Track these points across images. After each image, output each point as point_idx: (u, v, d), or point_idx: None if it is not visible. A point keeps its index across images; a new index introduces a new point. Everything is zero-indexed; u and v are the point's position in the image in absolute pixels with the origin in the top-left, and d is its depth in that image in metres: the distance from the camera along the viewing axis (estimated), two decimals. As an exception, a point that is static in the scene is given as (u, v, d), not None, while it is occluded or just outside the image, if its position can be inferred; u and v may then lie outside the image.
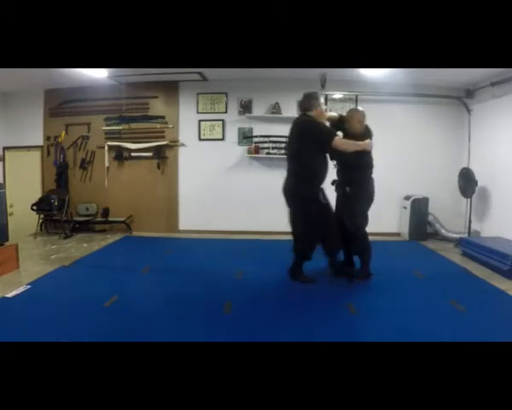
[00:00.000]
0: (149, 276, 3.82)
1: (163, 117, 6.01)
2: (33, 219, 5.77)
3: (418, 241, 5.56)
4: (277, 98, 5.82)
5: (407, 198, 5.71)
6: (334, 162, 3.73)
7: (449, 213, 5.85)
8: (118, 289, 3.34)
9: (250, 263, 4.27)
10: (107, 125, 6.05)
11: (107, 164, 6.04)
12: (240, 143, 5.96)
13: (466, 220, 5.34)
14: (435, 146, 5.89)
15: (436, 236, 5.74)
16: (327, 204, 3.58)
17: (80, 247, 5.08)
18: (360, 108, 3.85)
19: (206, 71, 5.37)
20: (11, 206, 5.57)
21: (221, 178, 6.03)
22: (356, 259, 3.74)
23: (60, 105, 6.08)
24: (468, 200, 5.26)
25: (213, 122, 5.97)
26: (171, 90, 5.97)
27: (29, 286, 3.38)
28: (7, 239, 4.01)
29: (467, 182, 5.15)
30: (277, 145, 5.82)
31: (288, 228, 5.85)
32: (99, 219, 6.00)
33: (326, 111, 3.78)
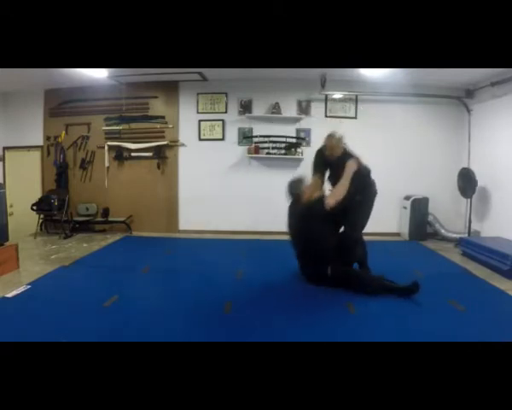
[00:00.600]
0: (149, 276, 3.82)
1: (163, 117, 6.01)
2: (33, 219, 5.77)
3: (418, 241, 5.56)
4: (277, 98, 5.82)
5: (407, 198, 5.71)
6: None
7: (449, 213, 5.85)
8: (118, 289, 3.34)
9: (250, 263, 4.27)
10: (107, 125, 6.05)
11: (107, 164, 6.04)
12: (240, 143, 5.96)
13: (466, 220, 5.34)
14: (435, 146, 5.89)
15: (436, 236, 5.74)
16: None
17: (80, 247, 5.08)
18: (335, 132, 3.86)
19: (206, 71, 5.37)
20: (11, 206, 5.57)
21: (221, 178, 6.03)
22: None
23: (60, 105, 6.08)
24: (468, 200, 5.26)
25: (213, 122, 5.98)
26: (171, 90, 5.97)
27: (29, 286, 3.38)
28: (7, 239, 4.01)
29: (467, 182, 5.15)
30: (277, 145, 5.82)
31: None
32: (99, 219, 6.00)
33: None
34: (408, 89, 5.63)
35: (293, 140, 5.82)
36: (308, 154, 5.91)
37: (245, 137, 5.91)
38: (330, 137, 3.75)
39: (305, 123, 5.90)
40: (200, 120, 5.99)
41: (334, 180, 3.56)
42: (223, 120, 5.96)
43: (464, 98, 5.69)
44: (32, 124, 6.14)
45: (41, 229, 6.01)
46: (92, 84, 5.70)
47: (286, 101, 5.85)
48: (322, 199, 3.46)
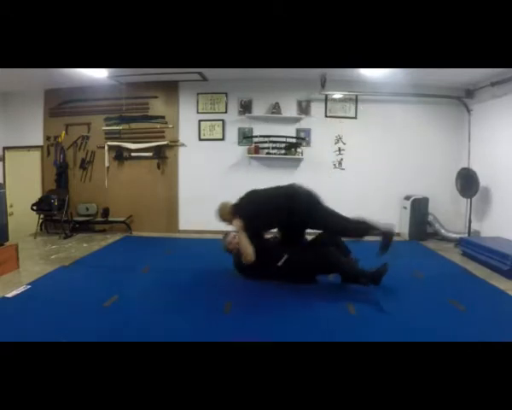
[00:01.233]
0: (149, 276, 3.82)
1: (163, 117, 6.01)
2: (33, 219, 5.77)
3: (418, 241, 5.56)
4: (277, 98, 5.82)
5: (407, 198, 5.71)
6: None
7: (449, 213, 5.85)
8: (118, 289, 3.34)
9: (250, 263, 4.26)
10: (107, 125, 6.05)
11: (107, 164, 6.05)
12: (240, 143, 5.96)
13: (466, 220, 5.34)
14: (435, 146, 5.90)
15: (436, 236, 5.74)
16: None
17: (80, 247, 5.08)
18: (223, 203, 4.03)
19: (206, 71, 5.37)
20: (11, 206, 5.57)
21: (221, 178, 6.03)
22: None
23: (60, 105, 6.08)
24: (468, 200, 5.26)
25: (213, 122, 5.98)
26: (171, 90, 5.97)
27: (29, 286, 3.38)
28: (7, 239, 4.01)
29: (468, 183, 5.14)
30: (277, 145, 5.82)
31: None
32: (99, 219, 6.00)
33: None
34: (408, 89, 5.63)
35: (293, 140, 5.82)
36: (308, 154, 5.92)
37: (245, 137, 5.91)
38: (219, 209, 3.94)
39: (305, 123, 5.90)
40: (200, 120, 6.00)
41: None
42: (223, 120, 5.96)
43: (464, 98, 5.69)
44: (32, 124, 6.14)
45: (41, 229, 6.01)
46: (92, 84, 5.70)
47: (286, 101, 5.86)
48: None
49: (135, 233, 5.97)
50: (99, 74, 5.12)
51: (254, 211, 3.54)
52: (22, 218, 5.85)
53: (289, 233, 3.65)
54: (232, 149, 5.98)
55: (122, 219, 5.93)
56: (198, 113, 5.99)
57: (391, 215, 5.97)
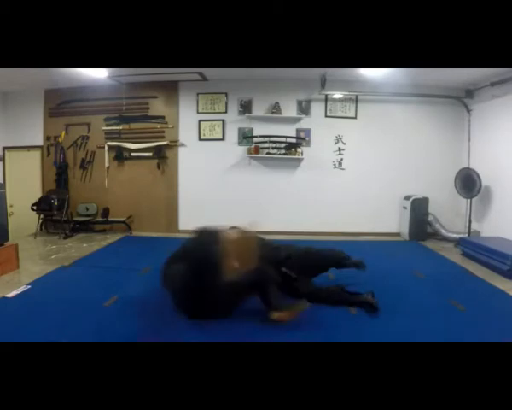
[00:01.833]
0: (149, 276, 3.82)
1: (163, 117, 6.01)
2: (33, 219, 5.77)
3: (418, 241, 5.56)
4: (277, 98, 5.83)
5: (407, 198, 5.71)
6: None
7: (449, 213, 5.86)
8: (118, 289, 3.34)
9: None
10: (107, 125, 6.05)
11: (107, 164, 6.05)
12: (240, 143, 5.96)
13: (466, 220, 5.34)
14: (435, 146, 5.90)
15: (436, 236, 5.74)
16: None
17: (80, 247, 5.08)
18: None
19: (206, 71, 5.37)
20: (11, 206, 5.57)
21: (221, 178, 6.03)
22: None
23: (60, 105, 6.08)
24: (468, 200, 5.26)
25: (213, 122, 5.98)
26: (171, 90, 5.97)
27: (29, 286, 3.38)
28: (7, 239, 4.01)
29: (468, 183, 5.13)
30: (277, 145, 5.82)
31: (288, 228, 5.89)
32: (99, 219, 6.00)
33: None
34: (408, 89, 5.63)
35: (293, 140, 5.82)
36: (308, 154, 5.92)
37: (245, 137, 5.91)
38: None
39: (305, 123, 5.90)
40: (200, 120, 6.00)
41: None
42: (223, 120, 5.96)
43: (464, 98, 5.70)
44: (32, 124, 6.14)
45: (41, 229, 6.01)
46: (92, 84, 5.70)
47: (286, 101, 5.86)
48: None
49: (135, 233, 5.97)
50: (99, 74, 5.12)
51: None
52: (22, 218, 5.85)
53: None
54: (232, 149, 5.98)
55: (122, 219, 5.93)
56: (198, 113, 5.99)
57: (391, 215, 5.99)
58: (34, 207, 5.68)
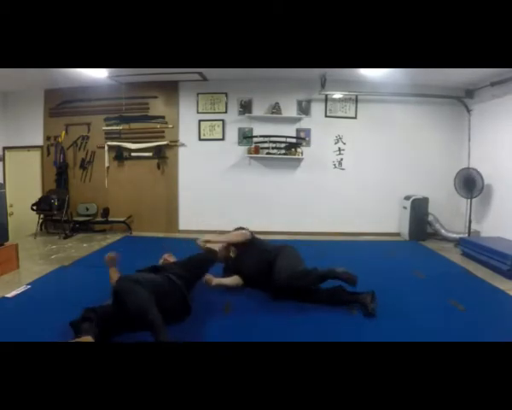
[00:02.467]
0: (149, 276, 3.81)
1: (163, 117, 6.01)
2: (33, 219, 5.77)
3: (418, 241, 5.56)
4: (277, 98, 5.83)
5: (407, 198, 5.71)
6: None
7: (449, 213, 5.86)
8: (118, 289, 3.33)
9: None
10: (107, 125, 6.05)
11: (107, 164, 6.05)
12: (240, 143, 5.96)
13: (466, 220, 5.34)
14: (435, 146, 5.90)
15: (436, 236, 5.74)
16: None
17: (80, 247, 5.08)
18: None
19: (206, 71, 5.37)
20: (11, 206, 5.57)
21: (221, 178, 6.03)
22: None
23: (60, 105, 6.08)
24: (468, 200, 5.26)
25: (213, 122, 5.98)
26: (171, 90, 5.98)
27: (29, 286, 3.38)
28: (7, 239, 4.01)
29: (468, 183, 5.13)
30: (277, 145, 5.83)
31: (288, 228, 5.89)
32: (99, 219, 6.00)
33: None
34: (408, 89, 5.63)
35: (293, 140, 5.83)
36: (308, 154, 5.93)
37: (245, 137, 5.91)
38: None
39: (305, 123, 5.90)
40: (200, 120, 6.00)
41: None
42: (223, 120, 5.96)
43: (464, 98, 5.70)
44: (32, 124, 6.15)
45: (41, 229, 6.01)
46: (92, 84, 5.71)
47: (286, 101, 5.86)
48: None
49: (135, 233, 5.97)
50: (99, 74, 5.13)
51: None
52: (22, 218, 5.85)
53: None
54: (232, 149, 5.98)
55: (122, 219, 5.93)
56: (198, 113, 5.99)
57: (391, 215, 5.99)
58: (34, 207, 5.68)
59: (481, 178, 4.94)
